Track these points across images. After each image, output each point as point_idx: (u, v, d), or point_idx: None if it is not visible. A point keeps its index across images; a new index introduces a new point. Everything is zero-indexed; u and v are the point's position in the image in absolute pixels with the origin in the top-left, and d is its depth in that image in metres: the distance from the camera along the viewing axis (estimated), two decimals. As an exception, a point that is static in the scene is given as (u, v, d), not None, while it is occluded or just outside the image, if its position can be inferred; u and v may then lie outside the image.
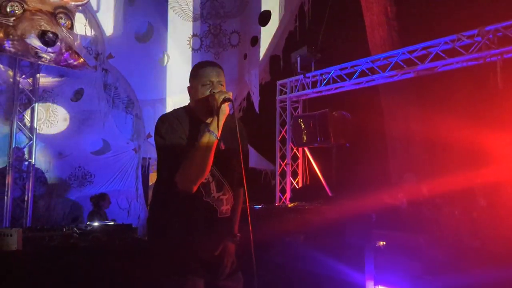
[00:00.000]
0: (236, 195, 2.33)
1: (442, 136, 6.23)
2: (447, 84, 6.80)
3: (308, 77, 7.70)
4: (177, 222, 2.13)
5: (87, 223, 4.14)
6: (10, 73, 6.53)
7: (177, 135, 2.12)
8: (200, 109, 2.22)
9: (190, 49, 8.31)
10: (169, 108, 8.06)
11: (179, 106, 2.29)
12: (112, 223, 4.37)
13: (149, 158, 8.04)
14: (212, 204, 2.17)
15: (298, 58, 7.54)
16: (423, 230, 5.13)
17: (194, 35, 8.41)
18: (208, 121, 2.14)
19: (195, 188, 2.07)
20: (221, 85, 2.21)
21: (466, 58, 5.73)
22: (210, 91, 2.17)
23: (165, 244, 2.18)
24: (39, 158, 6.85)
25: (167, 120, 2.18)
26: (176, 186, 2.05)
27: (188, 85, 2.28)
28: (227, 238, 2.27)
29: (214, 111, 2.09)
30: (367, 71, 6.97)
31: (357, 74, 7.02)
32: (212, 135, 2.04)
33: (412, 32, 7.25)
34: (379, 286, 4.82)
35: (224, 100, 2.08)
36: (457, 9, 6.82)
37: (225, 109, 2.08)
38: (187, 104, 2.31)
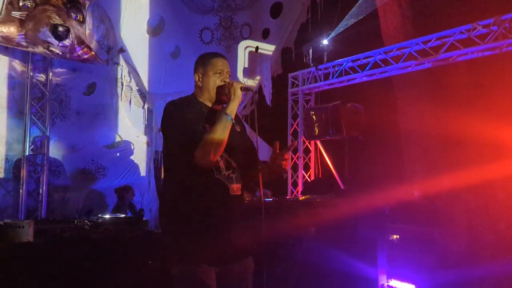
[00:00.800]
0: (244, 176, 2.42)
1: (456, 129, 6.12)
2: (461, 76, 6.67)
3: (320, 69, 7.64)
4: (192, 199, 2.25)
5: (99, 215, 4.15)
6: (23, 67, 6.58)
7: (189, 117, 2.28)
8: (210, 96, 2.40)
9: (201, 42, 8.28)
10: (181, 102, 8.05)
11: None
12: (124, 215, 4.39)
13: (161, 152, 8.05)
14: (224, 181, 2.30)
15: (310, 50, 7.47)
16: (437, 224, 5.08)
17: (205, 28, 8.38)
18: (218, 107, 2.37)
19: (212, 164, 2.23)
20: (229, 75, 2.44)
21: (482, 48, 5.62)
22: (221, 80, 2.38)
23: (179, 228, 2.27)
24: (53, 152, 6.92)
25: (178, 104, 2.36)
26: (196, 162, 2.19)
27: (197, 73, 2.43)
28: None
29: (229, 98, 2.29)
30: (380, 63, 6.88)
31: (370, 65, 6.94)
32: (229, 118, 2.23)
33: (426, 22, 7.11)
34: (392, 279, 4.79)
35: (246, 89, 2.32)
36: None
37: (240, 96, 2.30)
38: (185, 95, 2.47)
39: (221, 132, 2.21)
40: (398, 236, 5.46)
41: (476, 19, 5.74)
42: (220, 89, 2.37)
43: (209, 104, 2.41)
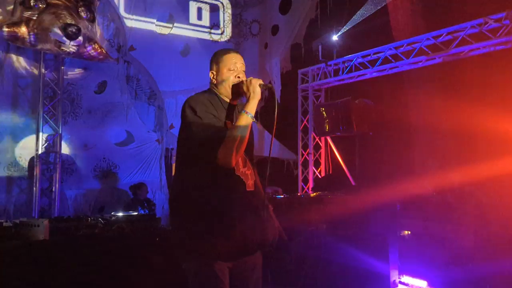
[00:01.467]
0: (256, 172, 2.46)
1: (467, 124, 6.07)
2: (472, 70, 6.61)
3: (330, 65, 7.61)
4: (212, 196, 2.22)
5: (112, 213, 4.20)
6: (35, 66, 6.65)
7: (211, 113, 2.27)
8: (227, 92, 2.39)
9: (211, 39, 8.29)
10: (191, 99, 8.07)
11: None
12: (136, 213, 4.43)
13: (172, 149, 8.10)
14: (242, 178, 2.32)
15: (320, 46, 7.44)
16: (449, 219, 5.05)
17: (214, 25, 8.39)
18: (234, 102, 2.39)
19: (234, 162, 2.22)
20: (244, 70, 2.42)
21: (493, 42, 5.55)
22: (235, 76, 2.37)
23: (195, 225, 2.22)
24: (65, 150, 6.99)
25: (199, 100, 2.31)
26: (218, 161, 2.18)
27: (211, 70, 2.43)
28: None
29: (248, 95, 2.28)
30: (390, 58, 6.83)
31: (380, 61, 6.89)
32: (249, 116, 2.23)
33: (437, 17, 7.04)
34: (404, 275, 4.77)
35: (265, 86, 2.30)
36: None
37: (260, 93, 2.27)
38: (203, 91, 2.45)
39: (243, 130, 2.21)
40: (409, 232, 5.44)
41: (487, 14, 5.68)
42: (236, 87, 2.36)
43: (227, 100, 2.40)
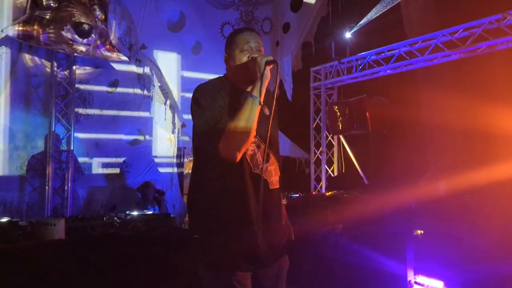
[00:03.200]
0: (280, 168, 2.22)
1: (483, 123, 5.97)
2: (488, 67, 6.49)
3: (343, 63, 7.53)
4: (225, 197, 1.98)
5: (127, 212, 4.17)
6: (48, 65, 6.64)
7: (218, 103, 1.99)
8: (239, 77, 2.11)
9: (223, 37, 8.24)
10: (202, 98, 8.04)
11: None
12: (151, 212, 4.40)
13: (184, 148, 8.07)
14: (262, 175, 2.02)
15: (333, 44, 7.37)
16: (465, 219, 4.97)
17: (226, 23, 8.34)
18: (249, 89, 1.99)
19: (239, 156, 1.92)
20: (259, 50, 2.10)
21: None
22: (248, 57, 2.06)
23: (212, 230, 2.00)
24: (77, 149, 6.99)
25: (206, 89, 2.06)
26: (220, 155, 1.91)
27: (225, 55, 2.17)
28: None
29: (256, 76, 1.95)
30: (404, 55, 6.74)
31: (394, 58, 6.80)
32: (256, 100, 1.91)
33: (451, 13, 6.94)
34: (419, 275, 4.70)
35: (268, 63, 1.94)
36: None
37: (268, 73, 1.96)
38: (216, 77, 2.22)
39: (247, 118, 1.88)
40: (422, 232, 5.37)
41: (505, 9, 5.56)
42: (242, 69, 2.05)
43: (241, 86, 2.08)
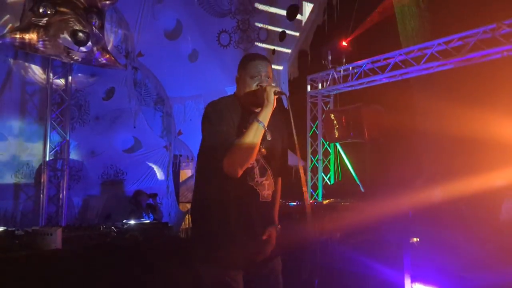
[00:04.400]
0: (275, 183, 2.41)
1: (477, 131, 6.01)
2: (482, 76, 6.55)
3: (339, 71, 7.56)
4: (221, 203, 2.21)
5: (124, 221, 4.14)
6: (43, 73, 6.61)
7: (226, 122, 2.21)
8: (248, 100, 2.31)
9: (219, 45, 8.26)
10: (200, 105, 8.05)
11: (210, 101, 2.35)
12: (149, 221, 4.37)
13: (180, 155, 8.06)
14: (256, 188, 2.27)
15: (329, 52, 7.41)
16: (461, 227, 4.99)
17: (223, 31, 8.36)
18: (257, 110, 2.25)
19: (240, 172, 2.16)
20: (268, 77, 2.31)
21: (507, 48, 5.49)
22: (257, 84, 2.28)
23: (208, 232, 2.24)
24: (73, 157, 6.94)
25: (218, 107, 2.27)
26: (223, 169, 2.14)
27: (236, 75, 2.38)
28: (271, 227, 2.34)
29: (264, 103, 2.19)
30: (400, 64, 6.78)
31: (390, 67, 6.84)
32: (261, 125, 2.15)
33: (445, 22, 7.01)
34: (416, 283, 4.70)
35: (276, 93, 2.19)
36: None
37: (274, 102, 2.19)
38: (227, 95, 2.42)
39: (251, 139, 2.14)
40: (418, 239, 5.38)
41: (498, 19, 5.62)
42: (252, 94, 2.28)
43: (250, 107, 2.31)
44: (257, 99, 2.25)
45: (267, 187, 2.32)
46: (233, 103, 2.32)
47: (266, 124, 2.17)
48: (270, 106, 2.18)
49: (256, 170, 2.27)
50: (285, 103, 8.57)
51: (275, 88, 2.21)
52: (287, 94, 8.45)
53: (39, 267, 3.01)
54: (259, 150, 2.24)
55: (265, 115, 2.17)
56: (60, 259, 3.11)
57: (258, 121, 2.16)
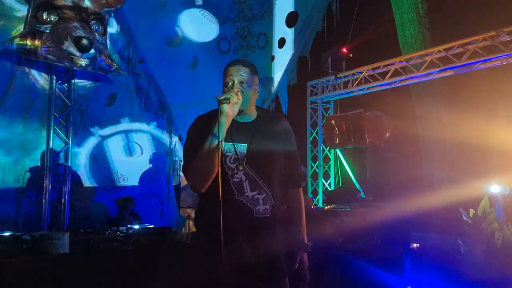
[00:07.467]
0: (288, 197, 2.29)
1: (477, 136, 6.08)
2: (482, 83, 6.63)
3: (340, 77, 7.62)
4: (211, 223, 2.01)
5: (128, 226, 4.17)
6: (46, 79, 6.65)
7: (200, 137, 2.03)
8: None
9: (219, 51, 8.33)
10: (200, 111, 8.10)
11: (210, 109, 2.21)
12: (152, 226, 4.40)
13: (181, 161, 8.09)
14: (246, 203, 2.10)
15: (329, 58, 7.47)
16: (461, 233, 5.03)
17: (222, 37, 8.43)
18: (240, 120, 2.16)
19: (203, 190, 2.05)
20: (243, 82, 2.11)
21: (507, 55, 5.56)
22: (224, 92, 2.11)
23: (200, 241, 2.24)
24: (75, 162, 6.97)
25: (200, 122, 2.17)
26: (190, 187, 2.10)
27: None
28: (300, 248, 2.28)
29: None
30: (400, 70, 6.85)
31: (390, 73, 6.91)
32: (213, 138, 1.96)
33: (445, 30, 7.09)
34: (417, 288, 4.74)
35: (219, 101, 1.99)
36: (493, 4, 6.63)
37: (225, 110, 1.97)
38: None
39: (204, 156, 1.97)
40: (418, 245, 5.42)
41: (497, 26, 5.70)
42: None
43: (237, 120, 2.12)
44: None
45: (262, 201, 2.13)
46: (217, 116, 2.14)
47: (222, 136, 1.96)
48: (223, 116, 1.96)
49: (246, 184, 2.11)
50: (284, 109, 8.60)
51: (224, 95, 2.00)
52: (286, 100, 8.55)
53: (50, 271, 3.04)
54: (247, 163, 2.10)
55: (218, 126, 1.95)
56: (69, 263, 3.14)
57: (212, 134, 1.97)
